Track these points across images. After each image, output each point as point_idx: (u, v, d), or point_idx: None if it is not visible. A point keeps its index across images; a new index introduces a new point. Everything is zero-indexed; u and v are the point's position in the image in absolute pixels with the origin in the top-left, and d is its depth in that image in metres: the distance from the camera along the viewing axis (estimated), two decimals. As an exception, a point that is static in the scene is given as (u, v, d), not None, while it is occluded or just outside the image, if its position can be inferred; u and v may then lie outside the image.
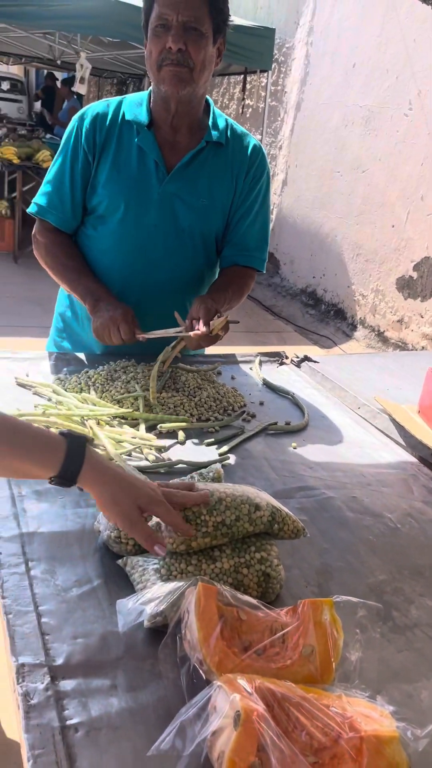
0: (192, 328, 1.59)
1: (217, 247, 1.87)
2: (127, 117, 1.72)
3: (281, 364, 2.03)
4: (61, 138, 1.85)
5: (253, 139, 1.84)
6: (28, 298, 5.85)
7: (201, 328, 1.56)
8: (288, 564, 1.09)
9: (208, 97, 1.80)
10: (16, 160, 7.00)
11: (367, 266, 5.96)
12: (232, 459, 1.41)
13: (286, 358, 2.06)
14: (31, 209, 1.80)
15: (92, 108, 1.75)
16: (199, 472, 1.13)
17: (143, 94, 1.77)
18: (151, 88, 1.74)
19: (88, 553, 1.05)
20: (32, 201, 1.81)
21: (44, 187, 1.79)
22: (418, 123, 5.29)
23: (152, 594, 0.83)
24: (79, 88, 8.16)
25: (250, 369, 1.95)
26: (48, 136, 9.16)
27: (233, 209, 1.82)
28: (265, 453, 1.46)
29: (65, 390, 1.60)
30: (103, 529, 1.04)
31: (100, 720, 0.77)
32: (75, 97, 9.74)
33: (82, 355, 1.81)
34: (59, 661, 0.84)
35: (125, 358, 1.77)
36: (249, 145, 1.81)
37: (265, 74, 7.54)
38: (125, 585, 0.98)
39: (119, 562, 1.01)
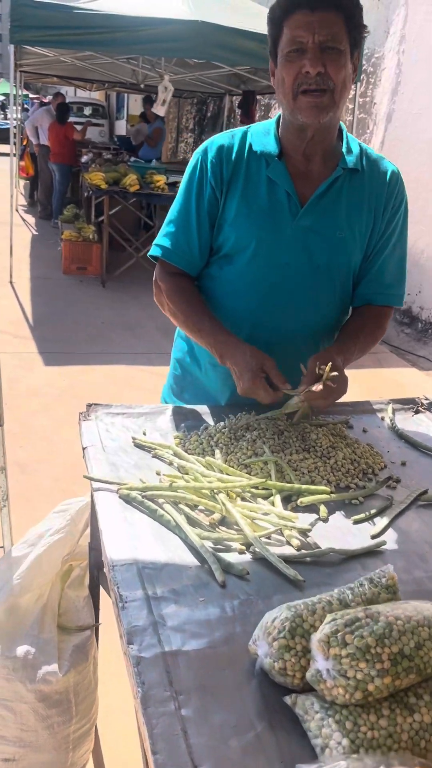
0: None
1: (352, 284, 1.69)
2: (255, 148, 1.57)
3: (417, 412, 1.81)
4: (144, 160, 1.71)
5: (391, 165, 1.65)
6: (119, 323, 5.84)
7: (300, 388, 1.46)
8: None
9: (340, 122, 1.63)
10: (104, 186, 7.05)
11: (468, 283, 5.60)
12: (388, 542, 1.20)
13: (422, 405, 1.84)
14: (155, 252, 1.67)
15: (216, 140, 1.61)
16: (368, 578, 0.93)
17: (270, 123, 1.62)
18: (278, 115, 1.58)
19: (244, 680, 0.87)
20: (154, 243, 1.67)
21: (167, 228, 1.66)
22: None
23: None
24: (159, 110, 8.21)
25: (382, 419, 1.74)
26: (132, 159, 9.24)
27: (371, 242, 1.64)
28: (423, 534, 1.25)
29: (186, 451, 1.45)
30: (262, 654, 0.86)
31: None
32: (158, 118, 9.80)
33: (203, 408, 1.65)
34: None
35: (245, 411, 1.60)
36: (387, 171, 1.63)
37: (353, 86, 7.31)
38: (296, 731, 0.80)
39: (287, 700, 0.83)
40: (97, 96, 19.41)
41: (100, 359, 5.03)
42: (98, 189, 7.07)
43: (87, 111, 17.80)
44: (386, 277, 1.69)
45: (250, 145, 1.59)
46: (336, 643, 0.77)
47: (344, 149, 1.59)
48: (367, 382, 4.90)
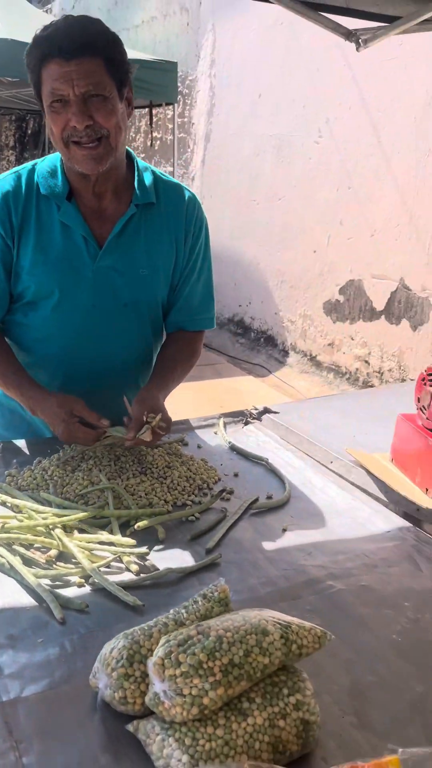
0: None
1: (162, 312, 1.73)
2: (42, 191, 1.52)
3: (246, 423, 1.91)
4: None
5: (187, 191, 1.69)
6: None
7: (129, 435, 1.46)
8: (315, 689, 0.95)
9: (129, 149, 1.61)
10: None
11: (292, 292, 5.97)
12: (223, 554, 1.26)
13: (251, 416, 1.94)
14: None
15: (1, 185, 1.53)
16: (202, 594, 0.97)
17: (55, 159, 1.56)
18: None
19: (86, 716, 0.88)
20: None
21: None
22: (329, 149, 5.36)
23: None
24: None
25: (215, 433, 1.82)
26: None
27: (176, 273, 1.68)
28: (256, 541, 1.32)
29: (19, 488, 1.42)
30: (103, 686, 0.87)
31: None
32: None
33: (34, 441, 1.62)
34: None
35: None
36: (183, 198, 1.66)
37: (171, 107, 7.52)
38: (140, 758, 0.82)
39: (129, 727, 0.84)
40: None
41: None
42: None
43: None
44: (195, 303, 1.75)
45: (38, 187, 1.53)
46: (170, 664, 0.80)
47: (136, 183, 1.58)
48: (208, 392, 5.05)
